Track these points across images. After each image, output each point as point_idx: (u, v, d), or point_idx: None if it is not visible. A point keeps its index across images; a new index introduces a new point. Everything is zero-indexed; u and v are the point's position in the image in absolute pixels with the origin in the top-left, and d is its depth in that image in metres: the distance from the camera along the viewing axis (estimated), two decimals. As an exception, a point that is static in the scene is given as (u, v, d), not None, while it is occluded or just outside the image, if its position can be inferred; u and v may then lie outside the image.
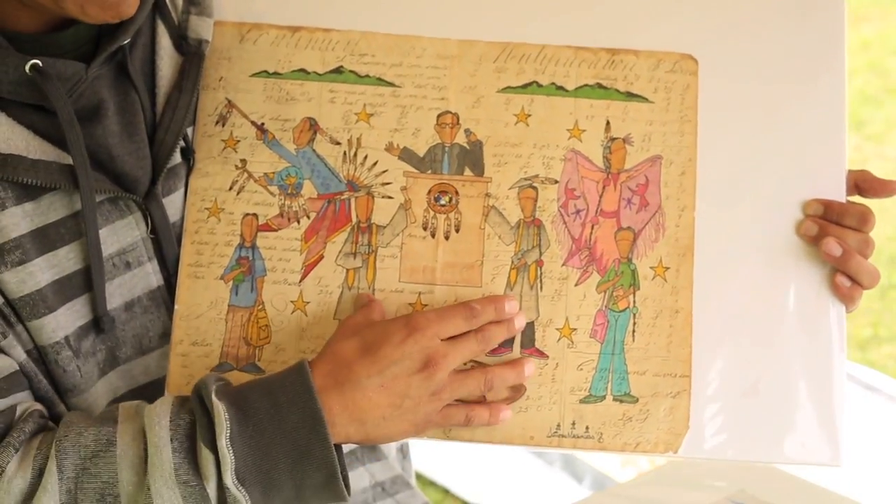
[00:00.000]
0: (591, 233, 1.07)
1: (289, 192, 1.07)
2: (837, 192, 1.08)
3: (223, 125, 1.08)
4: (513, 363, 1.04)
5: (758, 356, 1.06)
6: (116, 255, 1.03)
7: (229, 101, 1.08)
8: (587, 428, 1.05)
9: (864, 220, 1.06)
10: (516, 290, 1.06)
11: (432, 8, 1.09)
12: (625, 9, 1.09)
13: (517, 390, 1.05)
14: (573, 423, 1.05)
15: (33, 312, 0.99)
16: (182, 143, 1.05)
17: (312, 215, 1.07)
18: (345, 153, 1.08)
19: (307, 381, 0.95)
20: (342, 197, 1.07)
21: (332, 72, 1.09)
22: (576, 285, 1.06)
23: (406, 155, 1.08)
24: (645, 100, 1.08)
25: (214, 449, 0.93)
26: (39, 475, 0.94)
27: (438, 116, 1.08)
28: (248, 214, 1.07)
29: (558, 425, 1.05)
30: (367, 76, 1.09)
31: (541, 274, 1.06)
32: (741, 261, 1.07)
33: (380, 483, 1.21)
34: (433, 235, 1.07)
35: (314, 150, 1.08)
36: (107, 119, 1.01)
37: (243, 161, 1.07)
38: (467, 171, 1.07)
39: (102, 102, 1.01)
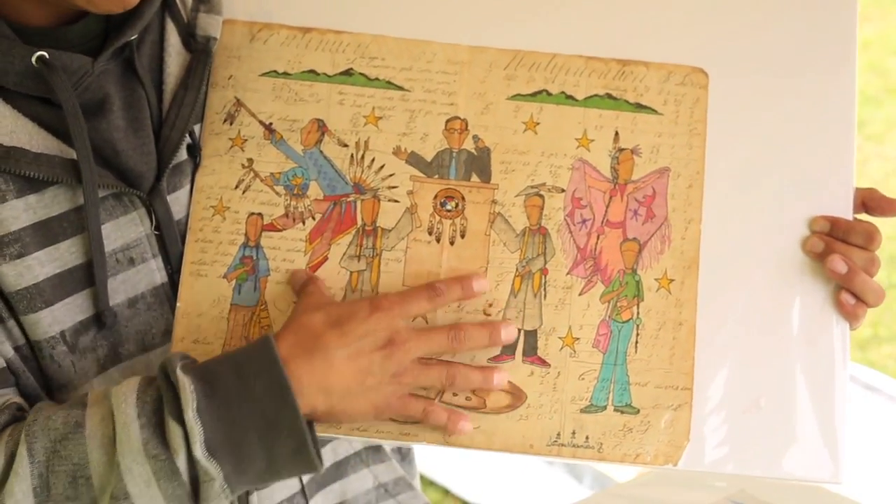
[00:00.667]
0: (597, 243, 1.07)
1: (295, 192, 1.07)
2: (844, 210, 1.08)
3: (231, 123, 1.08)
4: (484, 367, 1.03)
5: (760, 371, 1.06)
6: (120, 251, 1.03)
7: (238, 100, 1.08)
8: (587, 438, 1.05)
9: (870, 238, 1.06)
10: (520, 297, 1.06)
11: (444, 13, 1.09)
12: (636, 20, 1.09)
13: (518, 398, 1.04)
14: (573, 433, 1.05)
15: (29, 306, 0.99)
16: (188, 140, 1.05)
17: (318, 216, 1.07)
18: (352, 155, 1.07)
19: (272, 351, 0.95)
20: (348, 199, 1.07)
21: (341, 74, 1.08)
22: (580, 295, 1.06)
23: (413, 159, 1.08)
24: (654, 112, 1.08)
25: (182, 422, 0.92)
26: (11, 460, 0.94)
27: (447, 122, 1.08)
28: (253, 214, 1.06)
29: (558, 434, 1.04)
30: (377, 79, 1.08)
31: (545, 282, 1.06)
32: (746, 275, 1.07)
33: (383, 485, 1.20)
34: (438, 240, 1.06)
35: (321, 152, 1.07)
36: (112, 114, 1.01)
37: (250, 160, 1.07)
38: (474, 178, 1.07)
39: (108, 97, 1.01)
